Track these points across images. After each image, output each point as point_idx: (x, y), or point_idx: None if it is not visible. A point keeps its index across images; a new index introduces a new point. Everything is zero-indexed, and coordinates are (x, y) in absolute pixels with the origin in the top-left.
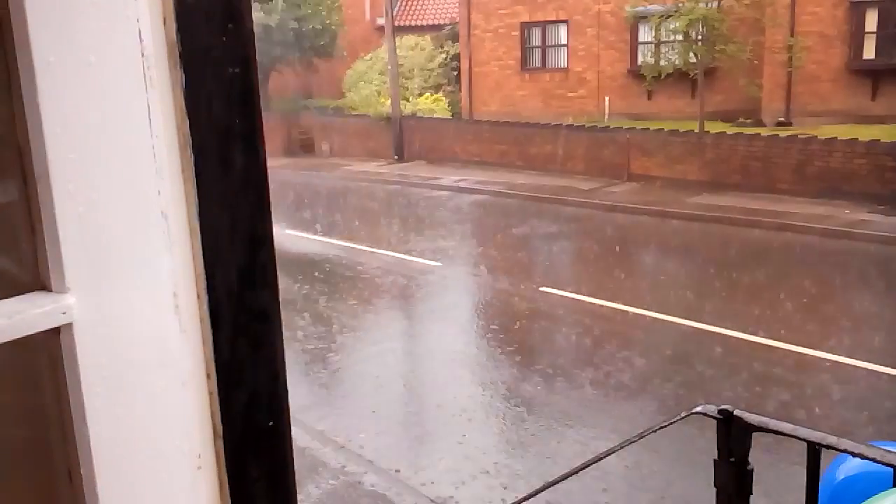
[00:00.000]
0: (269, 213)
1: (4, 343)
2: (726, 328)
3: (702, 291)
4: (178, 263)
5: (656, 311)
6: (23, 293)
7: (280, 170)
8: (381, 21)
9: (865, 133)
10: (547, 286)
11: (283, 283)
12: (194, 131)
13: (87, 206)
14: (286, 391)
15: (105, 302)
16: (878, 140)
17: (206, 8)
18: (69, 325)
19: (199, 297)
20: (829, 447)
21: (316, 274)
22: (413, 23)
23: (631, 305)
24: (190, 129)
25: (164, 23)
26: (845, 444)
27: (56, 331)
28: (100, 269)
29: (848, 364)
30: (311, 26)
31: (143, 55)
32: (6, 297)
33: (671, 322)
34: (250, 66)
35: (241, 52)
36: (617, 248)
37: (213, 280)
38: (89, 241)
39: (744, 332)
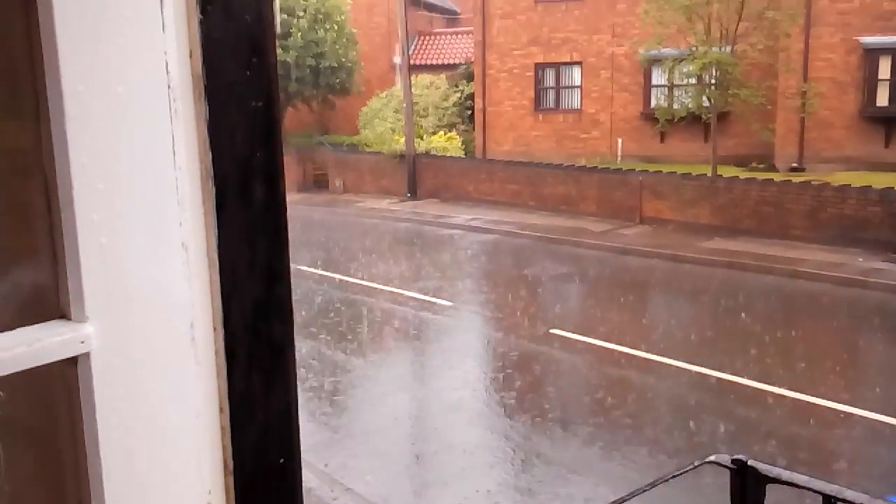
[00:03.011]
0: (287, 246)
1: (22, 371)
2: (743, 378)
3: (713, 337)
4: (195, 295)
5: (665, 356)
6: (42, 321)
7: (293, 205)
8: (397, 60)
9: (879, 180)
10: (557, 328)
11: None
12: (217, 163)
13: (110, 236)
14: (298, 428)
15: (123, 332)
16: (892, 188)
17: (232, 42)
18: (87, 355)
19: (215, 329)
20: (844, 500)
21: (331, 315)
22: (429, 62)
23: (641, 350)
24: (212, 162)
25: (191, 56)
26: (861, 498)
27: (73, 360)
28: (119, 299)
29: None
30: (327, 64)
31: (169, 87)
32: (26, 325)
33: (677, 367)
34: (273, 101)
35: (265, 86)
36: (629, 292)
37: (230, 312)
38: (110, 270)
39: (757, 381)
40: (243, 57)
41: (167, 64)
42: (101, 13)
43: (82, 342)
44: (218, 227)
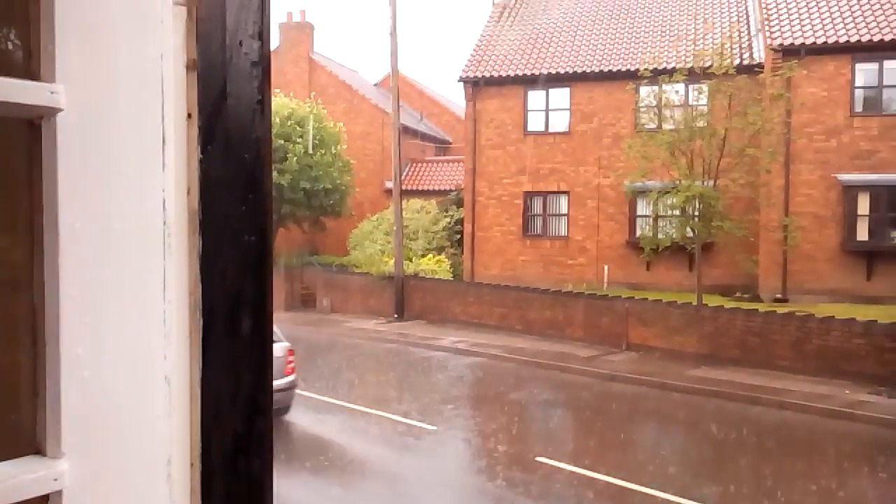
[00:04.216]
0: (271, 379)
1: None
2: None
3: (706, 472)
4: (175, 430)
5: (656, 489)
6: (16, 456)
7: (279, 324)
8: (389, 184)
9: (862, 313)
10: (543, 456)
11: None
12: (206, 296)
13: (93, 370)
14: None
15: (98, 469)
16: (876, 321)
17: (230, 179)
18: (59, 493)
19: (192, 464)
20: None
21: (308, 439)
22: (420, 187)
23: (628, 481)
24: (202, 294)
25: (188, 192)
26: None
27: (45, 498)
28: (97, 434)
29: None
30: (321, 187)
31: (164, 223)
32: None
33: (670, 501)
34: (266, 234)
35: (259, 220)
36: (620, 421)
37: (209, 448)
38: (90, 405)
39: None
40: (240, 193)
41: (164, 201)
42: (105, 153)
43: (55, 479)
44: (202, 360)
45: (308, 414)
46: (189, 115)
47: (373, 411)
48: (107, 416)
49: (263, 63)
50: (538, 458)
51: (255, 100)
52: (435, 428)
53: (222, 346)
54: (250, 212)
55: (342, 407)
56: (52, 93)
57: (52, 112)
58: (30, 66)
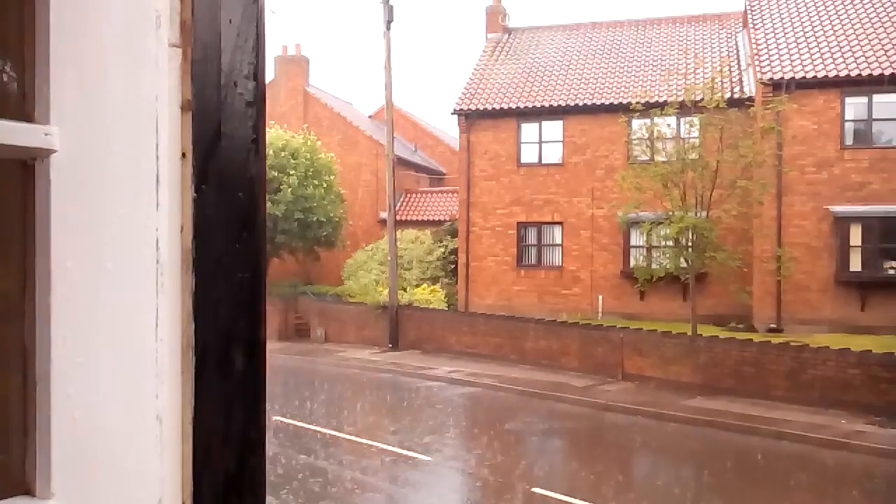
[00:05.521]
0: (265, 416)
1: None
2: None
3: (703, 500)
4: (166, 469)
5: None
6: (5, 497)
7: (272, 354)
8: (383, 215)
9: (857, 343)
10: (540, 487)
11: None
12: (199, 334)
13: (84, 410)
14: None
15: None
16: (870, 351)
17: (224, 218)
18: None
19: (183, 503)
20: None
21: (300, 474)
22: (414, 218)
23: None
24: (195, 333)
25: (182, 230)
26: None
27: None
28: (88, 474)
29: None
30: (315, 218)
31: (158, 262)
32: None
33: None
34: (260, 271)
35: (253, 258)
36: (615, 451)
37: (201, 487)
38: (81, 445)
39: None
40: (233, 231)
41: (158, 240)
42: (99, 193)
43: None
44: (195, 398)
45: (300, 449)
46: (183, 155)
47: (366, 441)
48: (97, 455)
49: (258, 103)
50: (535, 490)
51: (249, 139)
52: (430, 459)
53: (215, 385)
54: (244, 249)
55: (335, 437)
56: (46, 134)
57: (45, 153)
58: (24, 107)
